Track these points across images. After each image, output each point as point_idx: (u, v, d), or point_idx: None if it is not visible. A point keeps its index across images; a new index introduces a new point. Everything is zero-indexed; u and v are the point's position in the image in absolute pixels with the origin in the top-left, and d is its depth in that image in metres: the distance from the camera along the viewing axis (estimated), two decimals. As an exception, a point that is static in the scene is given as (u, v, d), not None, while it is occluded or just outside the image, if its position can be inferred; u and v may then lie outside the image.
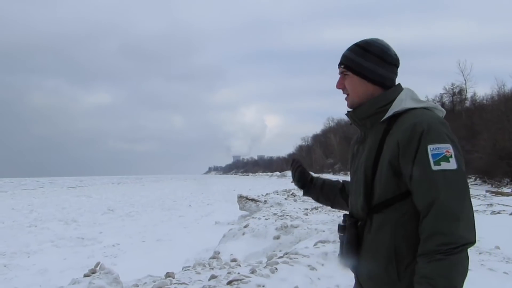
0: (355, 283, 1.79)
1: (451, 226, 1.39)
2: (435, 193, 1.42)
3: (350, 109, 1.74)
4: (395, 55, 1.69)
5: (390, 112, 1.60)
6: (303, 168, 2.06)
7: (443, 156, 1.44)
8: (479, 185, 26.62)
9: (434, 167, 1.43)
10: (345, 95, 1.73)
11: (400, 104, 1.60)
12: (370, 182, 1.61)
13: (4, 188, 60.84)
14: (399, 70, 1.72)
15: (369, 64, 1.65)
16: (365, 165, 1.63)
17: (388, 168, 1.54)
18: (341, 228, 1.71)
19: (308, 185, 2.05)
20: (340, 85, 1.71)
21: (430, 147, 1.45)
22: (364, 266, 1.63)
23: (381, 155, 1.58)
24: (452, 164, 1.44)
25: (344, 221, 1.71)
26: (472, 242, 1.41)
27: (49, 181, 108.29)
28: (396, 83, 1.71)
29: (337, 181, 2.09)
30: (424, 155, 1.45)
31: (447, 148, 1.45)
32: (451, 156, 1.44)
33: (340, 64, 1.71)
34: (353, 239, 1.64)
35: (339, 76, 1.73)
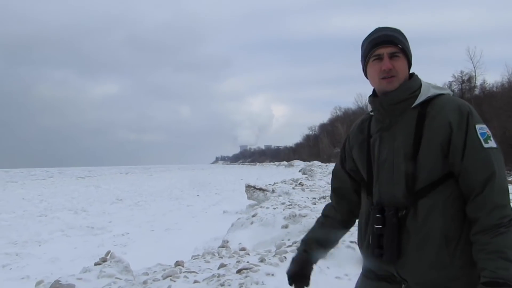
0: (366, 280, 1.77)
1: (506, 199, 1.47)
2: (491, 168, 1.49)
3: (373, 95, 1.72)
4: None
5: (422, 97, 1.62)
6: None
7: (487, 135, 1.53)
8: (488, 173, 26.42)
9: (485, 145, 1.51)
10: (385, 77, 1.64)
11: (428, 90, 1.64)
12: (412, 167, 1.57)
13: (14, 178, 61.54)
14: None
15: (409, 46, 1.68)
16: (405, 150, 1.60)
17: (438, 150, 1.55)
18: (379, 220, 1.62)
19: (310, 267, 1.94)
20: (391, 65, 1.62)
21: (477, 126, 1.53)
22: (410, 255, 1.57)
23: (422, 138, 1.57)
24: (494, 143, 1.54)
25: (380, 212, 1.63)
26: None
27: (58, 171, 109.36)
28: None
29: (318, 223, 1.99)
30: (475, 134, 1.52)
31: (487, 128, 1.55)
32: (491, 136, 1.54)
33: (393, 44, 1.63)
34: (396, 230, 1.58)
35: (384, 56, 1.63)
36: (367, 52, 1.68)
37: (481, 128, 1.54)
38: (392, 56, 1.63)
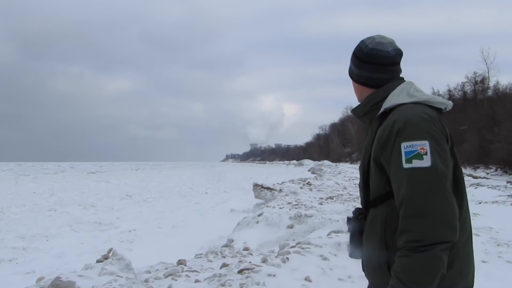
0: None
1: (418, 224, 1.38)
2: (404, 191, 1.43)
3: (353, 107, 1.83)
4: (383, 52, 1.67)
5: (382, 109, 1.63)
6: None
7: (416, 153, 1.43)
8: (500, 175, 26.01)
9: (405, 165, 1.43)
10: None
11: (391, 100, 1.62)
12: (367, 178, 1.65)
13: (26, 172, 62.36)
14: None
15: (354, 69, 1.77)
16: (363, 161, 1.69)
17: (374, 165, 1.58)
18: (347, 220, 1.79)
19: None
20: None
21: (403, 144, 1.45)
22: (364, 256, 1.70)
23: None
24: (425, 162, 1.41)
25: (352, 212, 1.78)
26: (446, 241, 1.38)
27: (70, 165, 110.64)
28: (402, 76, 1.73)
29: None
30: (397, 153, 1.46)
31: (422, 145, 1.43)
32: (425, 153, 1.42)
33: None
34: (355, 231, 1.72)
35: None
36: None
37: (410, 146, 1.43)
38: None
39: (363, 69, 1.71)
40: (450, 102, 1.64)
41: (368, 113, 1.72)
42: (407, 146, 1.44)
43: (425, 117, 1.49)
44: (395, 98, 1.60)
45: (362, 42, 1.73)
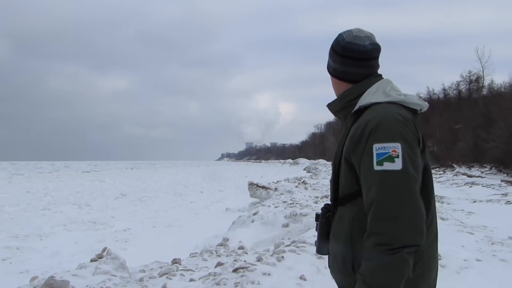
0: None
1: (386, 227, 1.37)
2: (374, 193, 1.40)
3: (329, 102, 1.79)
4: (360, 46, 1.63)
5: (356, 106, 1.59)
6: None
7: (388, 156, 1.40)
8: (494, 174, 26.15)
9: (376, 167, 1.41)
10: None
11: (366, 98, 1.58)
12: (337, 175, 1.62)
13: (20, 171, 61.97)
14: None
15: (331, 62, 1.73)
16: (334, 158, 1.65)
17: (344, 163, 1.55)
18: (316, 217, 1.77)
19: None
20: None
21: (375, 146, 1.42)
22: (330, 254, 1.69)
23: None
24: (396, 165, 1.39)
25: (321, 209, 1.77)
26: (414, 245, 1.37)
27: (64, 165, 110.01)
28: (380, 73, 1.69)
29: None
30: (368, 154, 1.43)
31: (394, 147, 1.40)
32: (397, 156, 1.40)
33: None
34: (322, 228, 1.71)
35: None
36: None
37: (382, 148, 1.41)
38: None
39: (339, 63, 1.67)
40: (426, 103, 1.62)
41: (343, 109, 1.68)
42: (379, 147, 1.41)
43: (399, 119, 1.46)
44: (370, 96, 1.57)
45: (340, 35, 1.68)
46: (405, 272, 1.36)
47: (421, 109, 1.59)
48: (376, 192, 1.39)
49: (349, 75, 1.66)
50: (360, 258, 1.47)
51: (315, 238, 1.79)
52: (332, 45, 1.71)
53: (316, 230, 1.76)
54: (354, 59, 1.63)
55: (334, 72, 1.71)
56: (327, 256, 1.78)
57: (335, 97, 1.76)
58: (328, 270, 1.78)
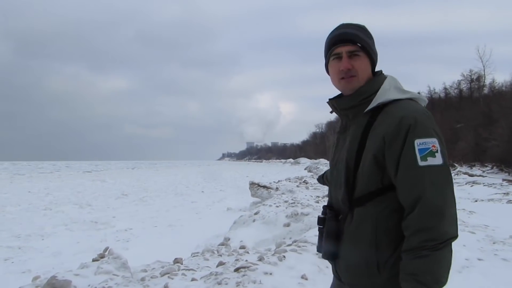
0: (334, 278, 1.77)
1: (436, 222, 1.37)
2: (421, 189, 1.39)
3: (331, 98, 1.69)
4: None
5: (374, 103, 1.55)
6: None
7: (429, 151, 1.41)
8: (496, 173, 26.14)
9: (421, 163, 1.40)
10: (344, 77, 1.60)
11: (384, 94, 1.54)
12: (352, 174, 1.56)
13: (21, 171, 62.04)
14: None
15: (372, 44, 1.62)
16: (347, 157, 1.58)
17: (372, 161, 1.49)
18: (320, 221, 1.68)
19: None
20: (350, 65, 1.57)
21: (417, 141, 1.42)
22: (343, 258, 1.60)
23: (365, 147, 1.53)
24: (438, 159, 1.41)
25: (324, 213, 1.68)
26: (456, 236, 1.40)
27: (65, 165, 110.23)
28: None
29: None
30: (410, 150, 1.42)
31: (433, 142, 1.42)
32: (437, 151, 1.41)
33: (352, 42, 1.57)
34: (333, 232, 1.62)
35: (342, 55, 1.59)
36: (326, 50, 1.64)
37: (423, 143, 1.41)
38: (351, 55, 1.58)
39: (374, 47, 1.63)
40: (427, 100, 1.63)
41: (356, 106, 1.60)
42: (420, 143, 1.41)
43: (430, 115, 1.49)
44: (388, 93, 1.54)
45: (363, 25, 1.65)
46: (451, 262, 1.40)
47: (425, 106, 1.61)
48: (423, 188, 1.39)
49: (376, 64, 1.66)
50: (385, 258, 1.47)
51: (317, 243, 1.72)
52: (364, 28, 1.63)
53: (322, 234, 1.68)
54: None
55: (376, 58, 1.64)
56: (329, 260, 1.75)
57: (353, 86, 1.60)
58: (329, 270, 1.76)
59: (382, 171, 1.49)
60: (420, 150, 1.41)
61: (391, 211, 1.48)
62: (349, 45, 1.58)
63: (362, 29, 1.63)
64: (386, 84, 1.57)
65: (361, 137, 1.55)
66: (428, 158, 1.40)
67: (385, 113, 1.51)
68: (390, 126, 1.46)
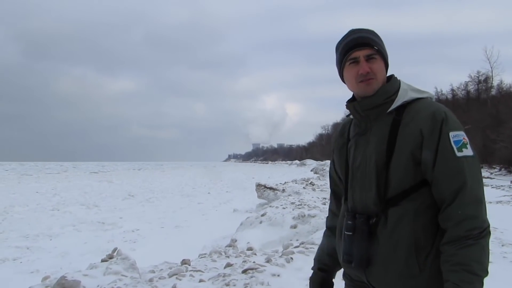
0: (346, 281, 1.72)
1: (478, 211, 1.41)
2: (462, 179, 1.43)
3: (351, 100, 1.66)
4: None
5: (398, 102, 1.56)
6: None
7: (462, 143, 1.46)
8: (504, 175, 25.98)
9: (458, 154, 1.45)
10: (363, 80, 1.58)
11: (406, 94, 1.57)
12: (384, 174, 1.53)
13: (29, 171, 62.47)
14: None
15: (385, 48, 1.63)
16: (376, 157, 1.55)
17: (409, 158, 1.49)
18: (349, 227, 1.58)
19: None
20: (368, 68, 1.56)
21: (451, 134, 1.46)
22: (382, 264, 1.53)
23: (395, 145, 1.52)
24: (470, 151, 1.46)
25: (352, 218, 1.59)
26: (489, 225, 1.43)
27: (72, 165, 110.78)
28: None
29: (325, 237, 1.92)
30: (447, 142, 1.46)
31: (463, 135, 1.48)
32: (467, 143, 1.46)
33: (369, 45, 1.58)
34: (366, 238, 1.54)
35: (360, 59, 1.57)
36: (342, 56, 1.63)
37: (456, 136, 1.46)
38: (368, 58, 1.57)
39: (386, 51, 1.65)
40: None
41: (380, 106, 1.58)
42: (454, 135, 1.46)
43: (450, 111, 1.54)
44: (409, 92, 1.57)
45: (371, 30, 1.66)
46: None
47: None
48: (464, 178, 1.43)
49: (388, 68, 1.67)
50: (424, 256, 1.46)
51: (342, 253, 1.61)
52: (374, 32, 1.65)
53: (352, 241, 1.58)
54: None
55: (387, 61, 1.63)
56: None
57: (370, 90, 1.58)
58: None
59: (417, 167, 1.50)
60: (455, 142, 1.45)
61: (426, 207, 1.49)
62: (366, 49, 1.58)
63: (374, 33, 1.64)
64: (404, 85, 1.61)
65: (389, 135, 1.54)
66: (463, 149, 1.45)
67: (412, 111, 1.53)
68: (426, 121, 1.48)
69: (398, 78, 1.65)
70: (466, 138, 1.47)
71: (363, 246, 1.54)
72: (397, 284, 1.51)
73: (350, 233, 1.58)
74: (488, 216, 1.47)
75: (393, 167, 1.52)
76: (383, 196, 1.53)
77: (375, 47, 1.59)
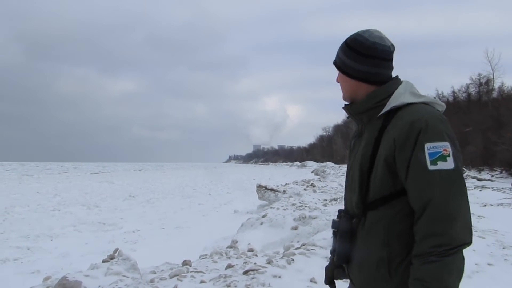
0: (350, 282, 1.75)
1: (446, 227, 1.36)
2: (431, 193, 1.39)
3: (346, 103, 1.73)
4: (385, 46, 1.61)
5: (387, 107, 1.56)
6: None
7: (440, 155, 1.40)
8: (505, 178, 25.90)
9: (431, 167, 1.40)
10: None
11: (398, 98, 1.55)
12: (366, 178, 1.57)
13: (30, 172, 62.50)
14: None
15: (350, 62, 1.64)
16: (361, 161, 1.60)
17: (383, 165, 1.50)
18: (335, 224, 1.68)
19: None
20: (337, 80, 1.73)
21: (427, 145, 1.41)
22: (356, 261, 1.60)
23: (378, 151, 1.54)
24: (449, 164, 1.40)
25: (338, 216, 1.69)
26: (469, 242, 1.38)
27: (73, 166, 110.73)
28: (395, 75, 1.65)
29: None
30: (420, 154, 1.41)
31: (444, 146, 1.41)
32: (448, 155, 1.40)
33: (335, 65, 1.73)
34: (347, 235, 1.62)
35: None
36: None
37: (434, 147, 1.40)
38: (339, 74, 1.71)
39: (363, 64, 1.60)
40: (444, 104, 1.63)
41: (370, 110, 1.61)
42: (431, 147, 1.40)
43: (443, 119, 1.48)
44: (402, 96, 1.54)
45: (359, 35, 1.62)
46: (463, 271, 1.38)
47: (442, 111, 1.60)
48: (432, 193, 1.38)
49: (373, 76, 1.60)
50: (396, 263, 1.46)
51: (327, 241, 1.77)
52: (349, 44, 1.64)
53: (336, 238, 1.68)
54: (379, 59, 1.59)
55: (355, 73, 1.62)
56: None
57: (343, 97, 1.71)
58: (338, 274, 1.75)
59: (394, 175, 1.49)
60: (430, 154, 1.39)
61: (404, 215, 1.47)
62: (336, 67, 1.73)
63: (343, 44, 1.68)
64: (401, 88, 1.57)
65: (375, 141, 1.55)
66: (438, 162, 1.39)
67: (398, 117, 1.51)
68: (402, 130, 1.46)
69: (403, 80, 1.63)
70: (448, 149, 1.40)
71: (344, 243, 1.62)
72: (369, 285, 1.57)
73: (335, 230, 1.67)
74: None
75: (373, 173, 1.54)
76: (364, 199, 1.57)
77: (338, 64, 1.70)
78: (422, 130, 1.42)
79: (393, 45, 1.64)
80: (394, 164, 1.47)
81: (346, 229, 1.62)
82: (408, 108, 1.51)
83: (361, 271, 1.58)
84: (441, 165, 1.38)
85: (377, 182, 1.52)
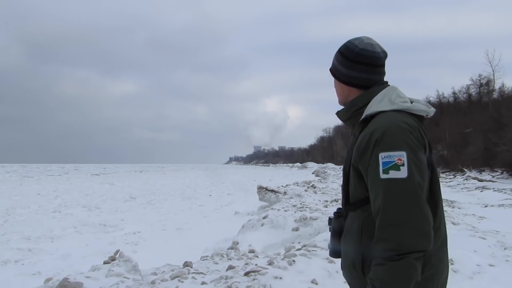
0: None
1: (394, 234, 1.40)
2: (381, 201, 1.44)
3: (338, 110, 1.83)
4: (375, 53, 1.67)
5: (364, 115, 1.62)
6: None
7: (393, 164, 1.44)
8: (506, 178, 25.88)
9: (382, 176, 1.45)
10: None
11: (371, 107, 1.61)
12: (347, 182, 1.68)
13: (31, 173, 62.53)
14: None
15: (341, 67, 1.73)
16: (344, 165, 1.72)
17: (353, 171, 1.60)
18: (328, 221, 1.83)
19: None
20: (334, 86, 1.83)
21: (381, 155, 1.46)
22: (342, 257, 1.73)
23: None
24: (402, 173, 1.43)
25: (333, 213, 1.81)
26: (420, 250, 1.40)
27: (74, 167, 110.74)
28: (386, 80, 1.73)
29: None
30: (375, 163, 1.47)
31: (399, 156, 1.44)
32: (402, 164, 1.43)
33: (330, 71, 1.83)
34: (336, 233, 1.75)
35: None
36: None
37: (387, 157, 1.44)
38: (334, 80, 1.81)
39: (353, 70, 1.68)
40: (433, 109, 1.65)
41: (351, 118, 1.72)
42: (384, 156, 1.45)
43: (404, 127, 1.49)
44: (376, 104, 1.60)
45: (350, 42, 1.71)
46: (413, 277, 1.40)
47: (427, 115, 1.62)
48: (382, 200, 1.44)
49: (362, 81, 1.68)
50: (369, 262, 1.51)
51: (328, 242, 1.83)
52: (341, 51, 1.73)
53: (330, 233, 1.81)
54: (369, 66, 1.67)
55: (347, 79, 1.71)
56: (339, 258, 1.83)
57: (338, 102, 1.81)
58: (340, 274, 1.82)
59: (364, 181, 1.56)
60: (383, 163, 1.44)
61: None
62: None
63: (338, 54, 1.76)
64: (379, 96, 1.63)
65: (351, 147, 1.66)
66: (390, 171, 1.43)
67: (369, 125, 1.57)
68: (363, 139, 1.54)
69: (387, 86, 1.68)
70: (403, 158, 1.43)
71: (334, 238, 1.76)
72: (349, 278, 1.69)
73: (329, 226, 1.82)
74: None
75: (351, 177, 1.64)
76: (348, 201, 1.69)
77: (332, 70, 1.80)
78: (378, 140, 1.48)
79: (384, 51, 1.69)
80: (360, 170, 1.56)
81: (335, 227, 1.75)
82: (378, 116, 1.56)
83: (343, 268, 1.72)
84: (392, 174, 1.43)
85: (353, 186, 1.63)
